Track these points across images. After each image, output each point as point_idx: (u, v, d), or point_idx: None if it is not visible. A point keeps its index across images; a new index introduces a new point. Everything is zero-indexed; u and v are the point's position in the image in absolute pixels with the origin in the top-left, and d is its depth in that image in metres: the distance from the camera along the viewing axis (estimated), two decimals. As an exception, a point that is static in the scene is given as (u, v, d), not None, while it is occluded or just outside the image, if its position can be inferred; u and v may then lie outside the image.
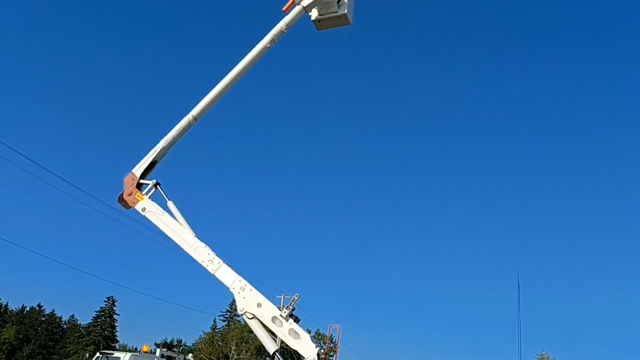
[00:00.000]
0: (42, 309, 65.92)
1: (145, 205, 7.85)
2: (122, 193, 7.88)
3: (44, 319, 65.17)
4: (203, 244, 7.74)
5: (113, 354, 21.15)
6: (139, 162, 7.95)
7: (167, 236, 8.01)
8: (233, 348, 43.62)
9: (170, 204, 7.87)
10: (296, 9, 8.16)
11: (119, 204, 7.96)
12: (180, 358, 22.46)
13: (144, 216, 7.91)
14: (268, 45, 8.06)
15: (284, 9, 8.20)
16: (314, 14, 8.40)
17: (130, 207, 7.88)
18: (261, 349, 40.60)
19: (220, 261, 7.63)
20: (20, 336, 58.48)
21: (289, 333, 7.19)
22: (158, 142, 7.98)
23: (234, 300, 7.74)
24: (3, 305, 62.88)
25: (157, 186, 7.89)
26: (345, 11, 8.38)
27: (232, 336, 44.88)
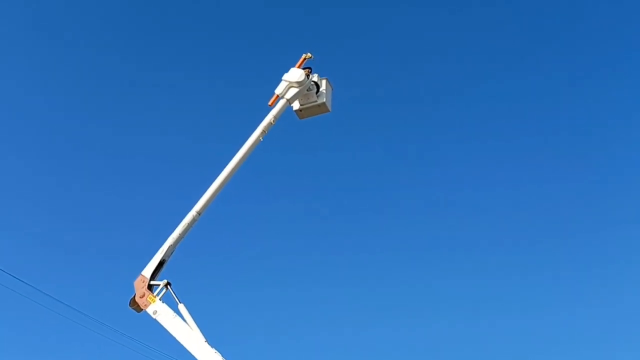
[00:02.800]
0: None
1: (157, 308, 7.76)
2: (134, 296, 7.81)
3: None
4: (214, 350, 7.61)
5: None
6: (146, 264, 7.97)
7: (176, 340, 7.93)
8: None
9: (181, 307, 7.78)
10: (281, 102, 8.77)
11: (130, 307, 7.87)
12: None
13: (155, 319, 7.85)
14: (260, 138, 8.53)
15: (269, 103, 8.79)
16: (295, 104, 9.07)
17: (142, 310, 7.81)
18: None
19: None
20: None
21: None
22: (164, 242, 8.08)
23: None
24: None
25: (168, 286, 7.87)
26: (324, 100, 9.06)
27: None
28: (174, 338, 7.87)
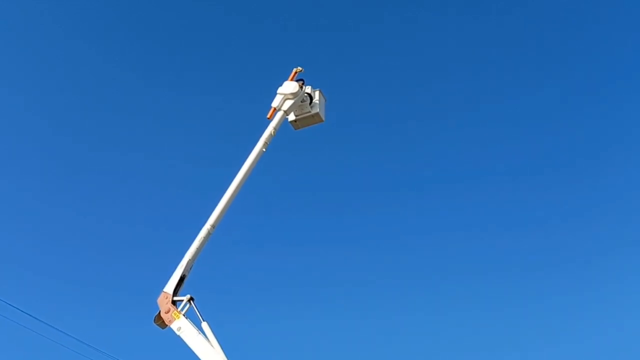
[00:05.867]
0: None
1: (181, 325, 7.72)
2: (159, 312, 7.76)
3: None
4: None
5: None
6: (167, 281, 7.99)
7: (197, 358, 7.93)
8: None
9: (204, 325, 7.78)
10: (279, 114, 9.07)
11: (155, 324, 7.82)
12: None
13: (178, 336, 7.84)
14: (263, 150, 8.78)
15: (268, 116, 9.07)
16: (291, 116, 9.42)
17: (166, 326, 7.79)
18: None
19: None
20: None
21: None
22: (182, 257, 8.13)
23: None
24: None
25: (191, 302, 7.88)
26: (318, 110, 9.43)
27: None
28: (195, 355, 7.91)
